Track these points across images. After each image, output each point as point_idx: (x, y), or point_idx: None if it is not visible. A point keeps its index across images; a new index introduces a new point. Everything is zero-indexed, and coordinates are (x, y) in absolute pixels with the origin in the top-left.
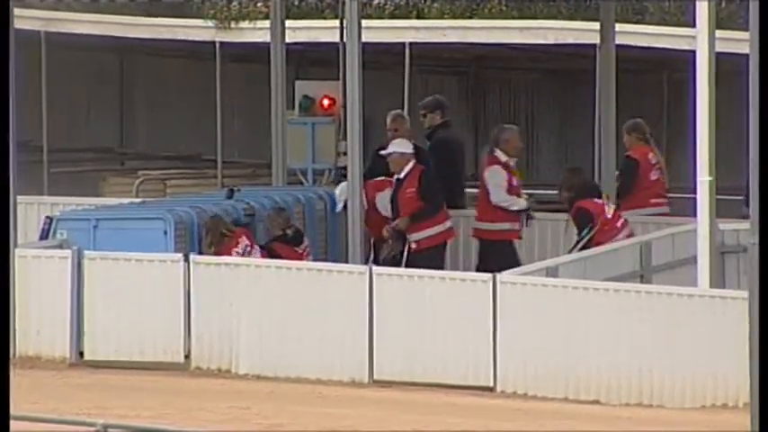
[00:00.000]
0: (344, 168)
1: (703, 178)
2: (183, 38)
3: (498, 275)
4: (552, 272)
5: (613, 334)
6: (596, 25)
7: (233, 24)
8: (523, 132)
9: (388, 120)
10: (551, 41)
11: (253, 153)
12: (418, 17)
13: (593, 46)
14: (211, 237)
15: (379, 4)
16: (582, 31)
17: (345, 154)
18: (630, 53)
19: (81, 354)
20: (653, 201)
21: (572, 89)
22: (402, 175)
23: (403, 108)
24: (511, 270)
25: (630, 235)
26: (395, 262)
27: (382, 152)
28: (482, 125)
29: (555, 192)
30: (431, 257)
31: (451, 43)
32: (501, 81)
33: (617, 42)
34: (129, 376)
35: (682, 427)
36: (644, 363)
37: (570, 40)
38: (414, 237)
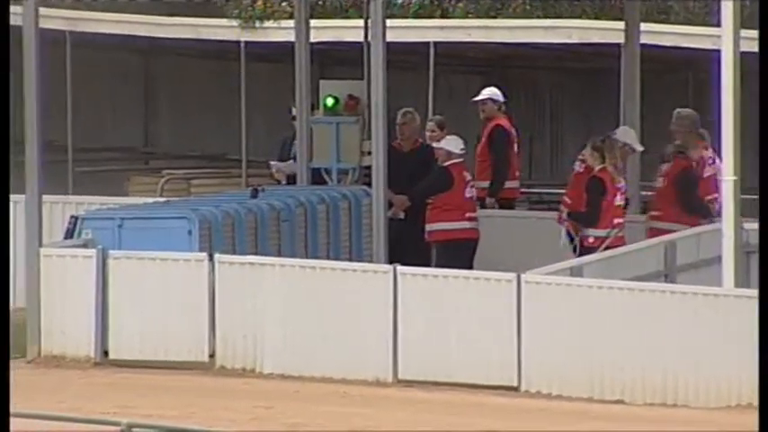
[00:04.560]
0: (369, 168)
1: (728, 178)
2: (207, 37)
3: (523, 275)
4: (577, 271)
5: (638, 334)
6: (621, 24)
7: (257, 24)
8: (547, 132)
9: (398, 116)
10: (576, 41)
11: (277, 152)
12: (443, 16)
13: (618, 45)
14: None
15: (403, 3)
16: (606, 31)
17: (370, 153)
18: (655, 53)
19: (106, 353)
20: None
21: (596, 89)
22: None
23: (427, 107)
24: (535, 270)
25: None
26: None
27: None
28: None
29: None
30: (449, 252)
31: (476, 43)
32: (525, 80)
33: (641, 42)
34: (154, 376)
35: (706, 427)
36: (668, 362)
37: (595, 40)
38: (428, 227)
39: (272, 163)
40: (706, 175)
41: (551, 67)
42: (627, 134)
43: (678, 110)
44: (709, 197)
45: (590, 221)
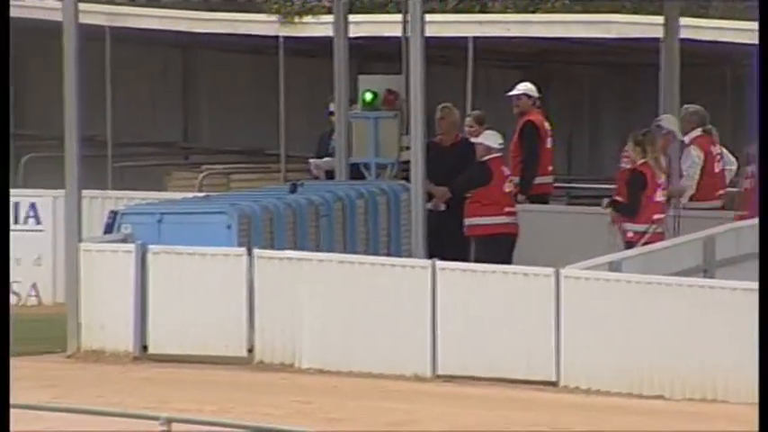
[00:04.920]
0: (407, 162)
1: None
2: (246, 32)
3: (562, 270)
4: (615, 266)
5: (677, 329)
6: (660, 19)
7: (296, 19)
8: (586, 127)
9: (437, 111)
10: (615, 36)
11: (315, 148)
12: (481, 11)
13: (657, 40)
14: None
15: None
16: (646, 25)
17: (408, 148)
18: (694, 47)
19: (145, 348)
20: (718, 194)
21: (635, 83)
22: None
23: (465, 102)
24: (574, 264)
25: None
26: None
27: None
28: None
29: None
30: (488, 247)
31: (515, 37)
32: (564, 75)
33: (681, 36)
34: (193, 370)
35: (746, 423)
36: (707, 358)
37: (634, 35)
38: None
39: (310, 160)
40: (717, 170)
41: (590, 62)
42: (670, 121)
43: (686, 105)
44: (721, 192)
45: (629, 212)
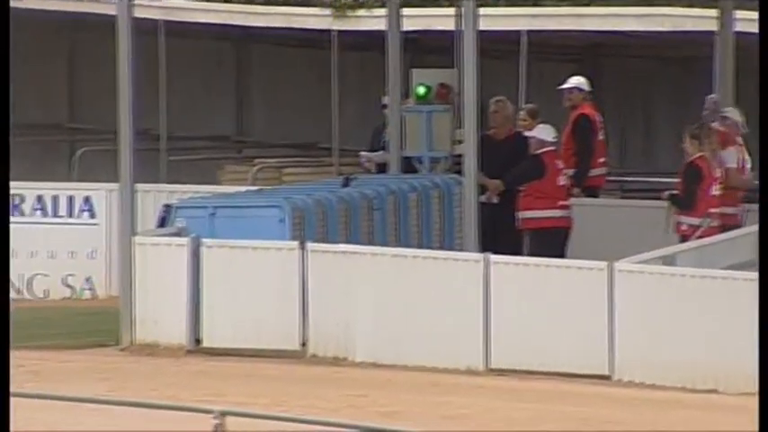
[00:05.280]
0: (460, 156)
1: None
2: (299, 26)
3: (615, 264)
4: (669, 260)
5: (731, 323)
6: (714, 12)
7: (349, 12)
8: (639, 120)
9: (490, 104)
10: (669, 29)
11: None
12: (535, 5)
13: (711, 33)
14: None
15: None
16: (700, 18)
17: (461, 142)
18: (748, 40)
19: (198, 341)
20: None
21: (689, 77)
22: None
23: (518, 96)
24: (627, 258)
25: None
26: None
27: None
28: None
29: (672, 180)
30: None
31: (568, 31)
32: (618, 68)
33: (735, 29)
34: (247, 364)
35: None
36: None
37: (688, 27)
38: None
39: (362, 153)
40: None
41: (644, 55)
42: (735, 113)
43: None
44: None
45: (685, 206)
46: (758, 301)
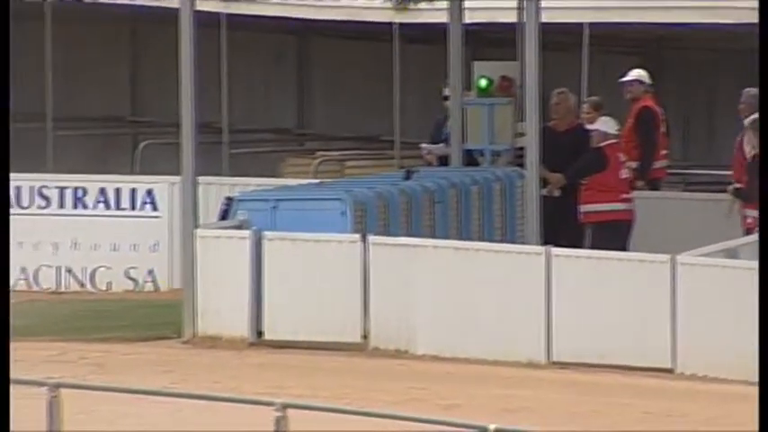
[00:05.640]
0: (522, 149)
1: None
2: (360, 19)
3: (678, 257)
4: (732, 253)
5: None
6: None
7: (411, 5)
8: (703, 113)
9: (553, 96)
10: (732, 21)
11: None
12: None
13: None
14: None
15: None
16: None
17: (523, 134)
18: None
19: (260, 333)
20: None
21: (752, 69)
22: None
23: (580, 89)
24: (690, 251)
25: None
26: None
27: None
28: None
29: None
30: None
31: (631, 23)
32: (681, 61)
33: None
34: (308, 356)
35: None
36: None
37: (751, 20)
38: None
39: (423, 145)
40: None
41: (707, 47)
42: None
43: (747, 89)
44: None
45: (751, 198)
46: (758, 301)
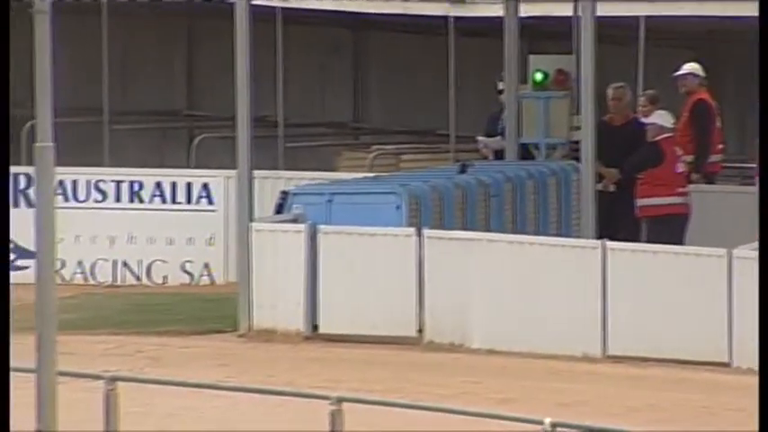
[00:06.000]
0: (577, 143)
1: None
2: (416, 13)
3: (734, 250)
4: None
5: None
6: None
7: None
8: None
9: (610, 91)
10: None
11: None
12: None
13: None
14: None
15: None
16: None
17: (578, 128)
18: None
19: (315, 327)
20: None
21: None
22: None
23: (636, 82)
24: (747, 245)
25: None
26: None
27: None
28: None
29: None
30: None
31: (687, 17)
32: (737, 54)
33: None
34: (363, 350)
35: None
36: None
37: None
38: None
39: (479, 138)
40: None
41: None
42: None
43: None
44: None
45: None
46: (758, 301)
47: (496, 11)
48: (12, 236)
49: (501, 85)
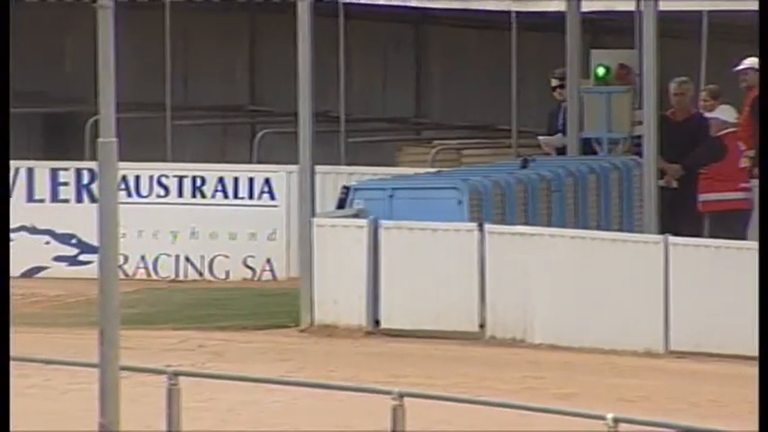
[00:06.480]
0: (639, 137)
1: None
2: (478, 8)
3: None
4: None
5: None
6: None
7: None
8: None
9: (673, 86)
10: None
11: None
12: None
13: None
14: None
15: None
16: None
17: (641, 123)
18: None
19: (377, 322)
20: None
21: None
22: None
23: (699, 77)
24: None
25: None
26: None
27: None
28: None
29: None
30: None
31: (750, 11)
32: None
33: None
34: (424, 345)
35: None
36: None
37: None
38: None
39: (540, 138)
40: None
41: None
42: None
43: None
44: None
45: None
46: (758, 301)
47: (559, 6)
48: (75, 231)
49: (554, 82)
